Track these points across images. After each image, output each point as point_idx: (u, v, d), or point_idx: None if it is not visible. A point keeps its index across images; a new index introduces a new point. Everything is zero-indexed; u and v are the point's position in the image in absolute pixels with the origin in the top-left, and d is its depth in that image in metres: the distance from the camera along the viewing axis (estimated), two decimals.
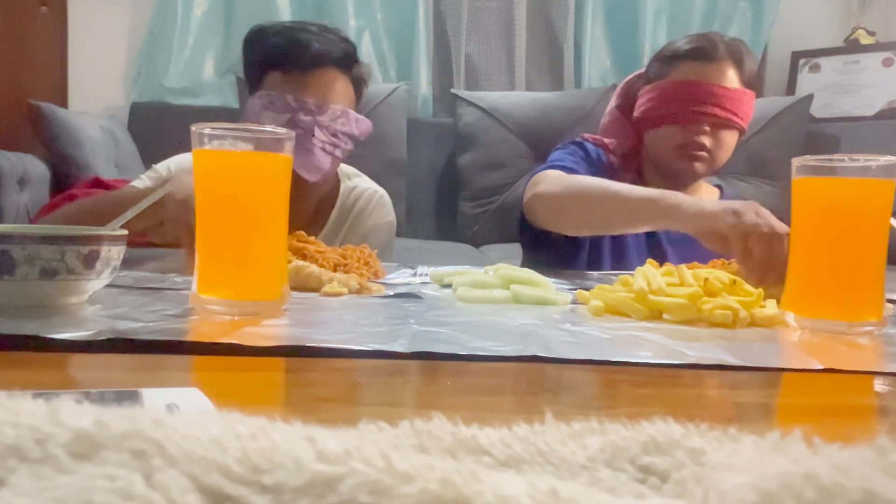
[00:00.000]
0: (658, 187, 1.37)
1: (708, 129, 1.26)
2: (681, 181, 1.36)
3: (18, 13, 2.10)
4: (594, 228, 1.22)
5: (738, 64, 1.28)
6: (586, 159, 1.36)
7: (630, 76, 1.41)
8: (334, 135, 1.22)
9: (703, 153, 1.27)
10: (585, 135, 1.43)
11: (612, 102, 1.41)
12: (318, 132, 1.20)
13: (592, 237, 1.30)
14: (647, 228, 1.17)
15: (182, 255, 1.06)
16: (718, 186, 1.49)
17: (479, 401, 0.41)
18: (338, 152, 1.24)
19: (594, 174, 1.30)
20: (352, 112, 1.26)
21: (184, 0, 2.32)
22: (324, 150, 1.21)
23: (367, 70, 1.35)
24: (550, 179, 1.24)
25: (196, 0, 2.35)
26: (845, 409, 0.44)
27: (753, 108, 1.31)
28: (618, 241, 1.30)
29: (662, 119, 1.29)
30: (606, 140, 1.40)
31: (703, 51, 1.27)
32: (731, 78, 1.27)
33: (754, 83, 1.32)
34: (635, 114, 1.34)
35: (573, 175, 1.26)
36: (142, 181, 1.26)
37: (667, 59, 1.32)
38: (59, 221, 0.98)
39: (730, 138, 1.29)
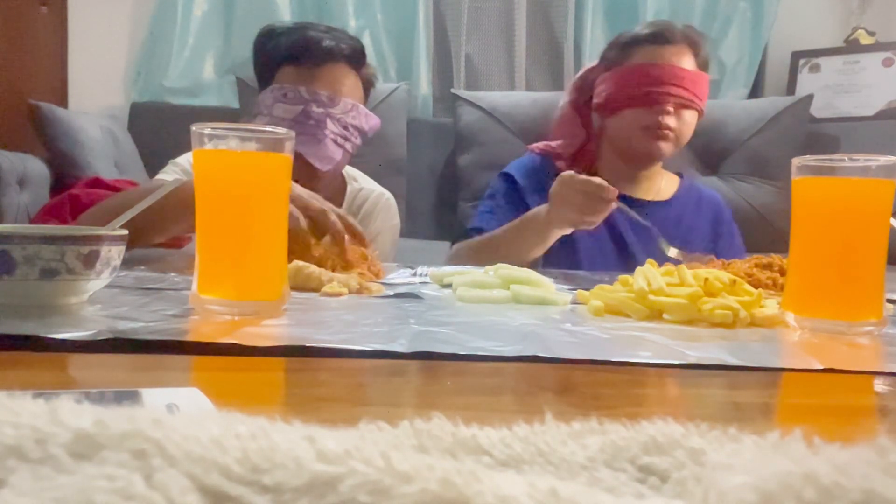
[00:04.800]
0: (613, 182, 1.39)
1: (672, 109, 1.31)
2: (644, 164, 1.40)
3: (18, 13, 2.10)
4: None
5: (695, 48, 1.35)
6: (510, 197, 1.43)
7: (582, 70, 1.47)
8: (345, 127, 1.24)
9: (669, 132, 1.33)
10: (533, 145, 1.49)
11: (565, 98, 1.47)
12: (329, 123, 1.22)
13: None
14: (539, 235, 1.23)
15: (184, 256, 1.06)
16: (679, 174, 1.52)
17: (479, 401, 0.41)
18: (348, 145, 1.26)
19: (522, 202, 1.38)
20: (362, 106, 1.28)
21: (184, 0, 2.32)
22: (335, 142, 1.23)
23: (373, 72, 1.37)
24: (447, 262, 1.36)
25: (196, 0, 2.35)
26: (845, 409, 0.44)
27: (708, 91, 1.38)
28: (568, 242, 1.32)
29: (626, 102, 1.33)
30: (554, 143, 1.44)
31: (662, 35, 1.34)
32: (688, 61, 1.34)
33: (707, 67, 1.40)
34: (595, 100, 1.39)
35: (460, 246, 1.37)
36: (167, 174, 1.26)
37: (624, 45, 1.37)
38: (90, 222, 0.97)
39: (690, 118, 1.35)
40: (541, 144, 1.47)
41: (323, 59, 1.25)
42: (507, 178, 1.46)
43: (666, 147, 1.34)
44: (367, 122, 1.29)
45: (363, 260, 0.91)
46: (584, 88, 1.42)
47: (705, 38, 1.39)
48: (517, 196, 1.42)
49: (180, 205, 0.90)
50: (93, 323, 0.52)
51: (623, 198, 1.37)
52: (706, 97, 1.37)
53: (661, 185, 1.46)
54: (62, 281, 0.58)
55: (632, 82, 1.32)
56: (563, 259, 1.32)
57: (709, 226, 1.44)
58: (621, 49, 1.37)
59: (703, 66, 1.37)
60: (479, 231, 1.39)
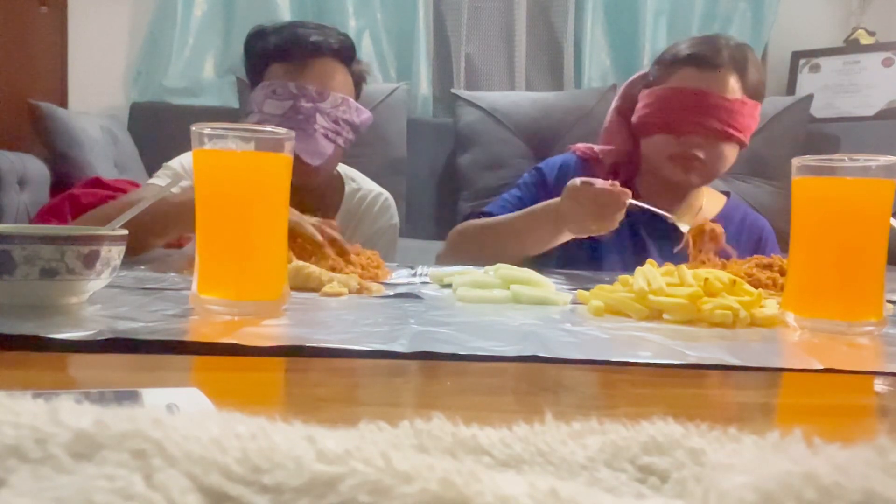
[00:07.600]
0: (652, 200, 1.35)
1: (703, 141, 1.22)
2: (676, 192, 1.33)
3: (18, 13, 2.10)
4: (504, 255, 1.14)
5: (741, 72, 1.22)
6: (535, 192, 1.36)
7: (633, 76, 1.37)
8: (335, 122, 1.24)
9: (697, 164, 1.24)
10: (576, 145, 1.41)
11: (613, 104, 1.38)
12: (319, 118, 1.22)
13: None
14: (551, 231, 1.16)
15: (184, 256, 1.06)
16: (726, 193, 1.47)
17: (479, 401, 0.41)
18: (339, 140, 1.26)
19: (546, 200, 1.28)
20: (352, 101, 1.28)
21: (184, 0, 2.32)
22: (326, 136, 1.23)
23: (366, 68, 1.36)
24: (450, 237, 1.33)
25: (196, 0, 2.35)
26: (845, 409, 0.44)
27: (756, 119, 1.26)
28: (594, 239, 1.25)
29: (657, 127, 1.25)
30: (597, 148, 1.37)
31: (705, 57, 1.22)
32: (733, 87, 1.22)
33: (759, 91, 1.27)
34: (633, 119, 1.31)
35: (466, 224, 1.32)
36: (160, 179, 1.26)
37: (668, 62, 1.28)
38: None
39: (728, 151, 1.25)
40: (583, 146, 1.38)
41: (311, 55, 1.25)
42: (539, 172, 1.39)
43: (695, 179, 1.26)
44: (357, 116, 1.28)
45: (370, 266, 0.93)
46: (628, 97, 1.34)
47: (754, 60, 1.26)
48: (543, 193, 1.33)
49: (171, 213, 0.93)
50: (93, 323, 0.52)
51: (657, 219, 1.30)
52: (751, 126, 1.24)
53: (702, 204, 1.37)
54: (62, 281, 0.58)
55: (664, 107, 1.23)
56: (582, 257, 1.26)
57: (748, 252, 1.29)
58: (662, 67, 1.28)
59: (752, 90, 1.24)
60: (490, 216, 1.32)
